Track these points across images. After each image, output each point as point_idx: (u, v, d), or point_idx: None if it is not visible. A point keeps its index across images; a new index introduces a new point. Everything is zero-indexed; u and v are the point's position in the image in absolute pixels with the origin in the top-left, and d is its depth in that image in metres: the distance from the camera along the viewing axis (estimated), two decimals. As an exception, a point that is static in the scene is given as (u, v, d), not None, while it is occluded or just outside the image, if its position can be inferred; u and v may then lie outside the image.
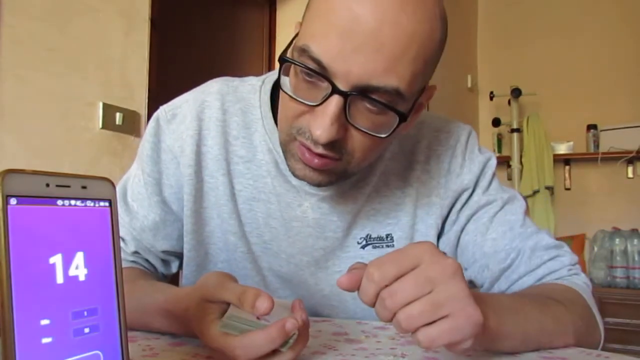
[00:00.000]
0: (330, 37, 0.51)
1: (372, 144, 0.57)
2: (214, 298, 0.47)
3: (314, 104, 0.54)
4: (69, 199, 0.32)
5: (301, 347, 0.47)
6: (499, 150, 3.46)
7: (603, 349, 0.60)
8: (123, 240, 0.72)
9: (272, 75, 0.72)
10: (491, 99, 3.25)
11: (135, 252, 0.73)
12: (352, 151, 0.57)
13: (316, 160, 0.56)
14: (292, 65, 0.55)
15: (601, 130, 3.13)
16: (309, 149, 0.56)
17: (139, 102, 1.71)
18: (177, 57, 2.00)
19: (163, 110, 0.72)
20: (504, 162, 3.39)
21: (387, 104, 0.53)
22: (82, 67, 1.54)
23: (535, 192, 3.11)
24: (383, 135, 0.55)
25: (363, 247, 0.70)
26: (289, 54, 0.57)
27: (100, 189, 0.35)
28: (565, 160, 3.26)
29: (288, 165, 0.61)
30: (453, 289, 0.42)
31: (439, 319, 0.42)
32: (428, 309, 0.41)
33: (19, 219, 0.29)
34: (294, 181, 0.68)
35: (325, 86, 0.53)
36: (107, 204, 0.35)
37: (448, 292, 0.42)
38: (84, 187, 0.33)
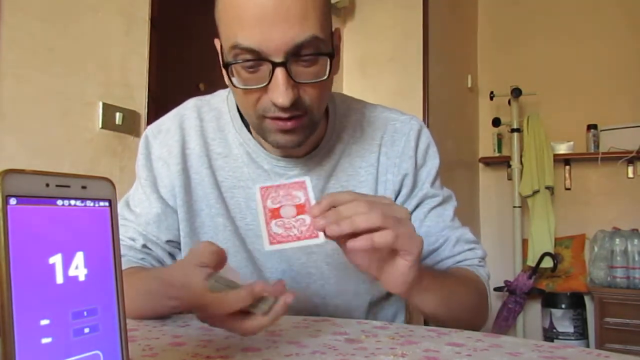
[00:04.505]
0: (249, 27, 0.62)
1: (321, 90, 0.69)
2: (197, 262, 0.54)
3: (265, 84, 0.65)
4: (69, 199, 0.32)
5: (275, 316, 0.51)
6: (499, 150, 3.44)
7: (603, 349, 0.61)
8: (132, 239, 0.80)
9: None
10: (491, 99, 3.25)
11: (144, 246, 0.80)
12: (310, 102, 0.68)
13: (289, 123, 0.68)
14: (234, 66, 0.66)
15: (601, 130, 3.12)
16: (279, 119, 0.67)
17: (139, 102, 1.71)
18: (177, 57, 2.00)
19: (150, 129, 0.84)
20: (504, 162, 3.38)
21: (314, 52, 0.65)
22: (82, 67, 1.54)
23: (535, 192, 3.10)
24: (325, 78, 0.67)
25: None
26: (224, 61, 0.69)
27: (100, 189, 0.35)
28: (565, 160, 3.25)
29: (270, 143, 0.72)
30: (407, 221, 0.58)
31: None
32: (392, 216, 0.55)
33: (18, 219, 0.29)
34: (265, 166, 0.80)
35: (265, 67, 0.64)
36: (107, 204, 0.35)
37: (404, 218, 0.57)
38: (83, 187, 0.33)
